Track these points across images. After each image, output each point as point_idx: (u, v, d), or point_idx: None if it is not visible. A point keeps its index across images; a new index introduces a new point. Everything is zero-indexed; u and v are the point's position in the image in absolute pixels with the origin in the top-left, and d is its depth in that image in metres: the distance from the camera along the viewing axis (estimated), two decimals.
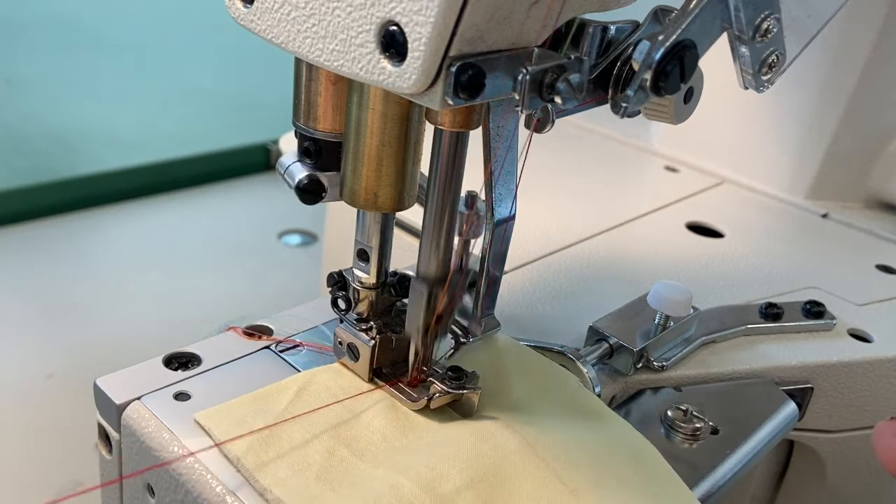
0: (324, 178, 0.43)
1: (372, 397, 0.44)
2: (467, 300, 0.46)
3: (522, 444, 0.41)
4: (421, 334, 0.42)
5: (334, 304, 0.46)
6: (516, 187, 0.41)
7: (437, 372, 0.43)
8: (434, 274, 0.42)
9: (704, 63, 0.38)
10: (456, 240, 0.42)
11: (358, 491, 0.38)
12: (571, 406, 0.45)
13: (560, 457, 0.41)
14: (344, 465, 0.39)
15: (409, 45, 0.31)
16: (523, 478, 0.39)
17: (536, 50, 0.33)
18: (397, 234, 0.53)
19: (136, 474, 0.43)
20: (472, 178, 0.42)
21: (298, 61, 0.41)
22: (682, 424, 0.46)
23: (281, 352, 0.48)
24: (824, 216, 0.79)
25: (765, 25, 0.39)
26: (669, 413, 0.47)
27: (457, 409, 0.44)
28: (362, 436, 0.41)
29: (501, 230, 0.41)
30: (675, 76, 0.35)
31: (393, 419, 0.42)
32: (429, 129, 0.40)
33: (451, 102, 0.32)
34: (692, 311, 0.51)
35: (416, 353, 0.43)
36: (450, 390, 0.42)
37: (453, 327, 0.44)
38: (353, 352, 0.44)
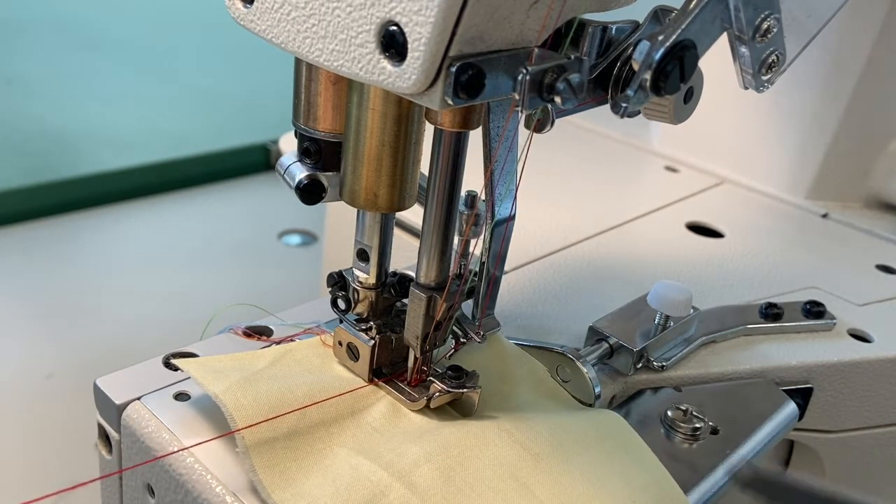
0: (324, 178, 0.43)
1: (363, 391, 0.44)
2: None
3: (486, 420, 0.42)
4: (420, 342, 0.42)
5: (334, 304, 0.46)
6: (516, 187, 0.41)
7: (437, 371, 0.43)
8: (433, 280, 0.42)
9: (704, 63, 0.38)
10: (456, 240, 0.42)
11: (317, 467, 0.39)
12: (539, 389, 0.47)
13: (522, 426, 0.42)
14: (311, 434, 0.40)
15: (409, 46, 0.31)
16: (485, 446, 0.40)
17: (536, 50, 0.33)
18: (397, 234, 0.53)
19: (125, 470, 0.43)
20: (473, 179, 0.42)
21: (298, 61, 0.41)
22: (682, 424, 0.46)
23: None
24: (824, 216, 0.79)
25: (765, 25, 0.39)
26: (669, 413, 0.47)
27: (457, 409, 0.44)
28: (332, 402, 0.42)
29: (501, 230, 0.41)
30: (675, 76, 0.35)
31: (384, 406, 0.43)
32: (429, 129, 0.40)
33: (450, 102, 0.32)
34: (692, 311, 0.51)
35: (416, 360, 0.43)
36: (449, 389, 0.42)
37: (453, 328, 0.44)
38: (353, 352, 0.44)
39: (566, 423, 0.43)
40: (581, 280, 0.60)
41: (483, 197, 0.41)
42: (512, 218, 0.42)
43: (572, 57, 0.34)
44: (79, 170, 1.38)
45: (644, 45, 0.35)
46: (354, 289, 0.45)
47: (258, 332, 0.49)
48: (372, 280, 0.44)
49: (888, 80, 0.76)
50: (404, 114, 0.39)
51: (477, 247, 0.42)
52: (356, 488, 0.37)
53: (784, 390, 0.51)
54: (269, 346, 0.48)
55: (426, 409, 0.43)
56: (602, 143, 0.92)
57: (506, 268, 0.46)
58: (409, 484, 0.37)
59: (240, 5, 0.38)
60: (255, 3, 0.37)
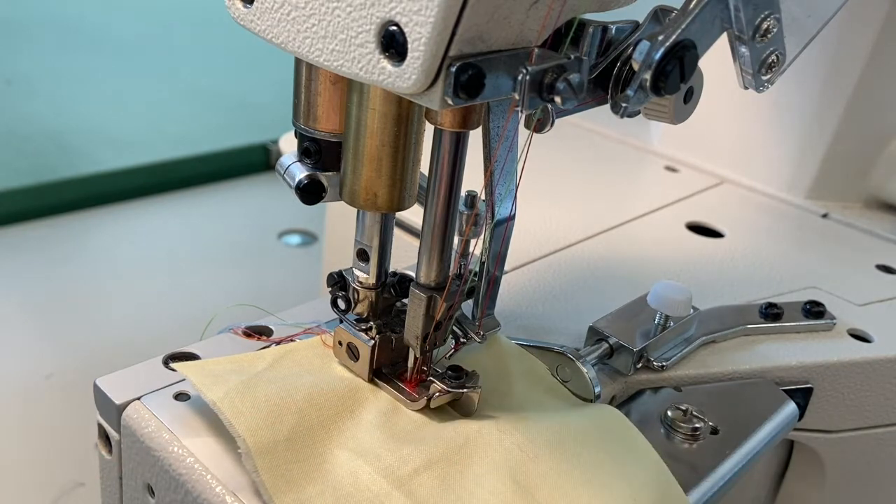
0: (324, 178, 0.43)
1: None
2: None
3: (485, 420, 0.42)
4: (420, 342, 0.42)
5: (334, 304, 0.46)
6: (516, 187, 0.41)
7: (437, 371, 0.43)
8: (433, 280, 0.42)
9: (704, 63, 0.38)
10: (456, 240, 0.42)
11: (319, 471, 0.39)
12: (538, 386, 0.47)
13: (521, 427, 0.42)
14: (311, 435, 0.40)
15: (409, 45, 0.31)
16: (485, 449, 0.40)
17: (536, 50, 0.33)
18: (397, 234, 0.53)
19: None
20: (473, 179, 0.42)
21: (298, 61, 0.41)
22: (682, 424, 0.46)
23: None
24: (824, 216, 0.79)
25: (765, 25, 0.39)
26: (669, 413, 0.47)
27: (457, 409, 0.44)
28: (331, 403, 0.42)
29: (501, 230, 0.41)
30: (675, 76, 0.35)
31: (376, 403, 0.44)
32: (429, 129, 0.40)
33: (450, 102, 0.32)
34: (692, 311, 0.51)
35: (416, 360, 0.43)
36: (449, 390, 0.42)
37: (453, 328, 0.44)
38: (353, 352, 0.44)
39: (565, 422, 0.43)
40: (581, 280, 0.60)
41: (483, 197, 0.41)
42: (512, 218, 0.42)
43: (572, 57, 0.34)
44: (79, 170, 1.39)
45: (644, 45, 0.35)
46: (354, 289, 0.45)
47: (258, 332, 0.49)
48: (372, 280, 0.44)
49: (888, 80, 0.76)
50: (404, 114, 0.39)
51: (477, 247, 0.42)
52: (356, 498, 0.37)
53: (784, 390, 0.51)
54: (269, 346, 0.48)
55: (426, 410, 0.43)
56: (602, 143, 0.92)
57: (506, 268, 0.46)
58: (409, 493, 0.37)
59: (240, 5, 0.38)
60: (255, 3, 0.37)
